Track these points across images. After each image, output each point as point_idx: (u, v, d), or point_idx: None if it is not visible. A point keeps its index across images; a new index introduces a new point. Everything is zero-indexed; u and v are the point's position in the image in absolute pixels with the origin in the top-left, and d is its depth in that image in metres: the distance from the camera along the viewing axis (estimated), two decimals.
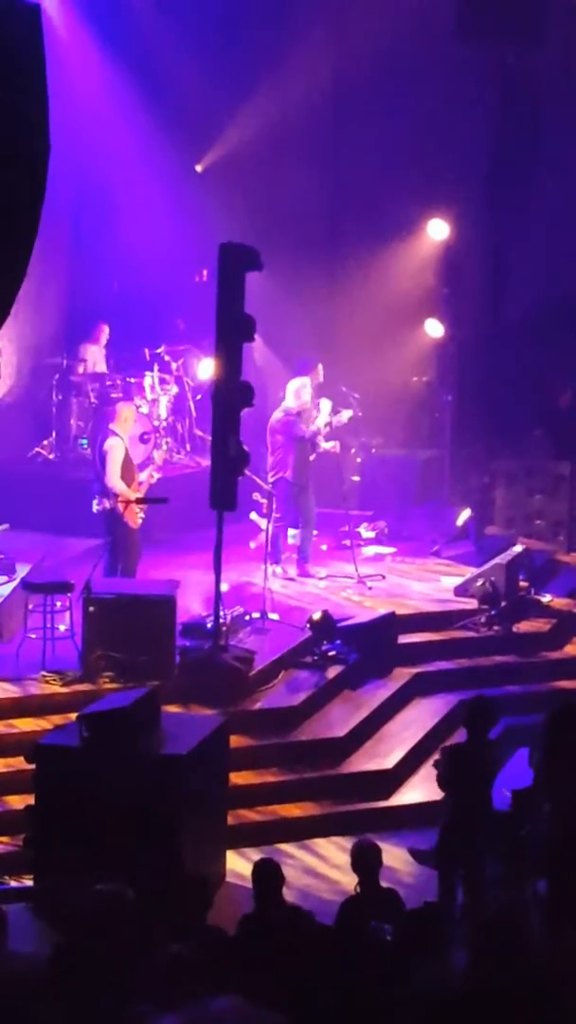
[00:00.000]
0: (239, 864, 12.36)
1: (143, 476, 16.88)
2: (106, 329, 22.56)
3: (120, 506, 16.33)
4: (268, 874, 9.35)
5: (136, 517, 16.50)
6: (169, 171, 22.65)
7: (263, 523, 17.88)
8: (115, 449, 16.45)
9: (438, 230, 22.53)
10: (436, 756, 12.56)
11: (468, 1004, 6.15)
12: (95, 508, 16.61)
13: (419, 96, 22.86)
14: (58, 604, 15.16)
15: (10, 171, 9.52)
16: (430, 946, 8.00)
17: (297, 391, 18.65)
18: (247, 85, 22.95)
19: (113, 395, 21.43)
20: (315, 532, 19.26)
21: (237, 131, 23.31)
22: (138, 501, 16.41)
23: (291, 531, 18.88)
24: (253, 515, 18.30)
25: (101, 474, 16.55)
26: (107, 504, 16.41)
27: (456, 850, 11.57)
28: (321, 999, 7.37)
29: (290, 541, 18.93)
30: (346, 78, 23.47)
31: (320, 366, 19.55)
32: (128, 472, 16.50)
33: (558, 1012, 6.14)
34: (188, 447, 22.11)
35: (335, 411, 18.97)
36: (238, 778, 13.50)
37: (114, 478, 16.36)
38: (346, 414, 18.97)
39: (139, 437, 19.55)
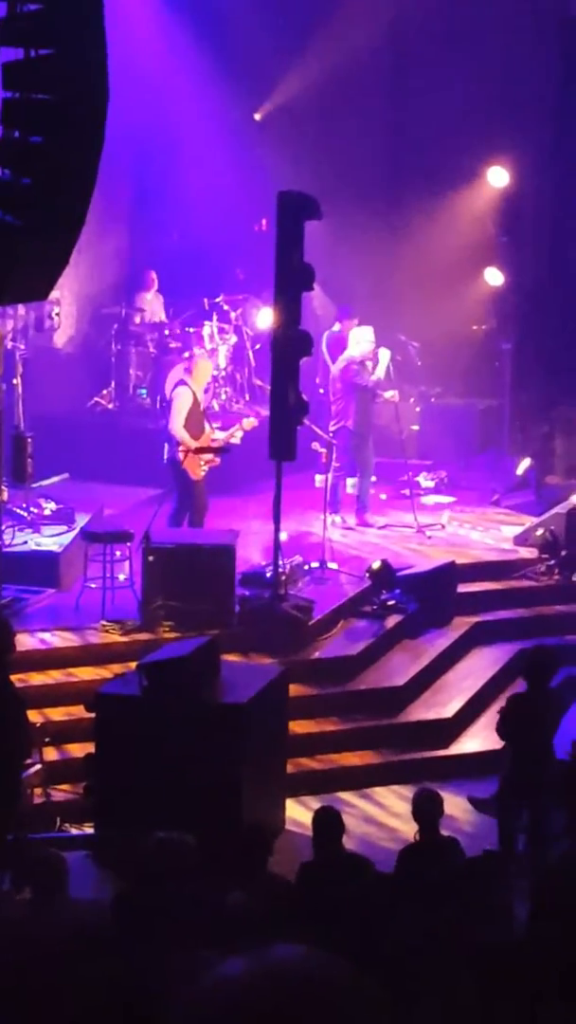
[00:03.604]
0: (299, 812, 12.40)
1: (224, 435, 16.73)
2: (154, 275, 22.52)
3: (181, 455, 16.31)
4: (328, 822, 9.37)
5: (198, 469, 16.44)
6: (228, 120, 22.56)
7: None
8: (182, 397, 16.43)
9: (498, 178, 22.35)
10: (500, 706, 12.53)
11: (529, 954, 6.15)
12: (165, 457, 16.62)
13: (479, 41, 22.66)
14: (117, 553, 15.20)
15: (70, 119, 9.52)
16: (491, 895, 8.00)
17: (359, 340, 18.64)
18: (306, 33, 22.80)
19: (172, 345, 21.44)
20: (373, 479, 19.23)
21: (296, 80, 23.17)
22: (197, 450, 16.38)
23: (349, 480, 18.86)
24: (319, 479, 18.22)
25: (168, 422, 16.57)
26: (175, 454, 16.38)
27: (516, 799, 11.58)
28: (380, 947, 7.38)
29: (349, 491, 18.91)
30: (405, 25, 23.28)
31: (356, 319, 19.53)
32: (195, 423, 16.44)
33: None
34: (247, 396, 22.09)
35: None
36: (297, 727, 13.52)
37: (177, 425, 16.33)
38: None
39: None
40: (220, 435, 16.69)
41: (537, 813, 11.52)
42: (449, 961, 6.95)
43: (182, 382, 16.71)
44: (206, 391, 19.40)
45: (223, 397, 21.08)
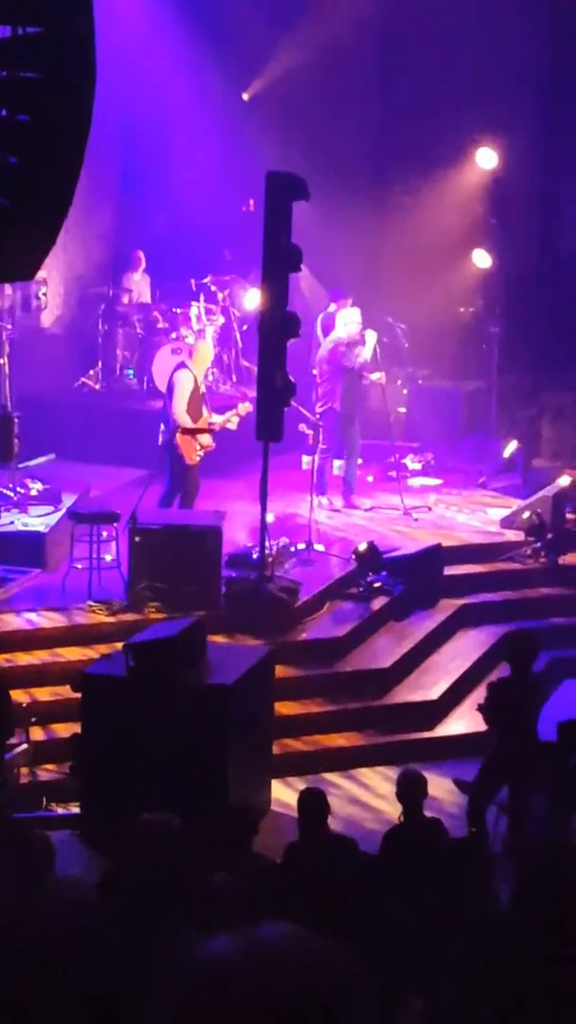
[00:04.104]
0: (284, 793, 12.42)
1: (221, 419, 16.68)
2: (141, 255, 22.48)
3: (178, 438, 16.27)
4: (313, 803, 9.39)
5: (193, 453, 16.41)
6: (216, 100, 22.52)
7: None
8: (184, 381, 16.40)
9: (487, 159, 22.33)
10: (486, 688, 12.55)
11: (513, 935, 6.16)
12: (160, 440, 16.59)
13: (469, 22, 22.62)
14: (104, 534, 15.21)
15: (57, 97, 9.49)
16: (474, 876, 8.02)
17: (346, 322, 18.64)
18: (294, 13, 22.75)
19: (159, 326, 21.42)
20: (360, 462, 19.23)
21: (284, 60, 23.11)
22: (193, 431, 16.30)
23: (336, 462, 18.86)
24: (305, 460, 18.20)
25: (168, 405, 16.52)
26: (170, 437, 16.34)
27: (499, 781, 11.60)
28: (364, 927, 7.41)
29: (335, 472, 18.91)
30: (394, 4, 23.21)
31: (350, 300, 19.51)
32: (194, 407, 16.42)
33: None
34: (234, 378, 22.07)
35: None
36: (283, 708, 13.55)
37: (179, 409, 16.28)
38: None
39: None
40: (217, 419, 16.66)
41: (518, 795, 11.55)
42: (433, 941, 6.98)
43: (183, 365, 16.70)
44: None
45: (210, 378, 21.08)
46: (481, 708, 12.05)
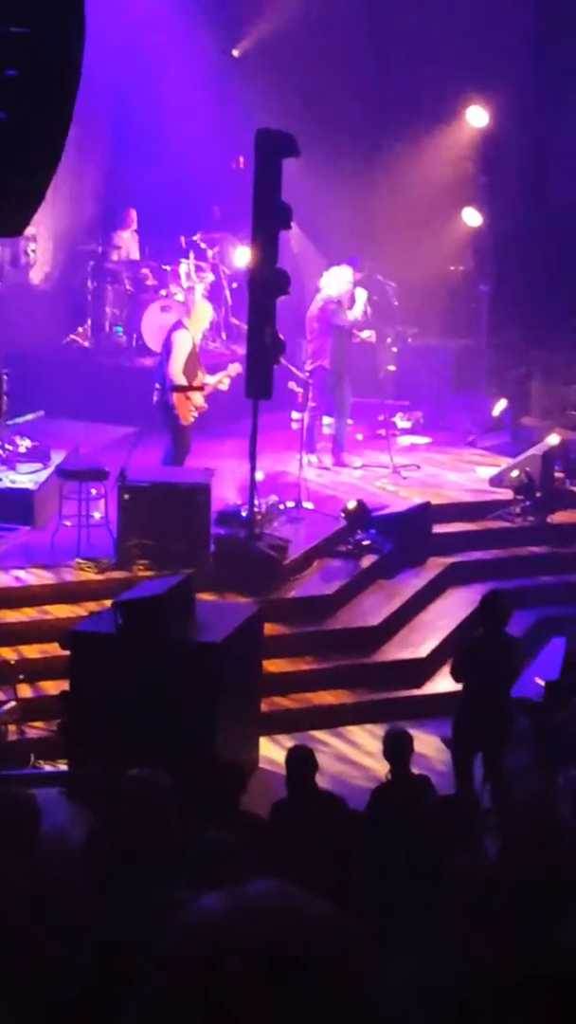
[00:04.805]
0: (273, 751, 12.45)
1: (213, 380, 16.62)
2: (134, 213, 22.43)
3: (174, 397, 16.21)
4: (301, 760, 9.42)
5: (188, 413, 16.34)
6: (206, 57, 22.38)
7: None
8: (182, 341, 16.32)
9: (477, 117, 22.25)
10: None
11: (499, 890, 6.19)
12: (155, 398, 16.54)
13: None
14: (93, 491, 15.20)
15: (46, 55, 9.44)
16: (461, 831, 8.06)
17: (337, 280, 18.57)
18: None
19: (148, 283, 21.36)
20: (350, 421, 19.22)
21: (274, 16, 22.98)
22: (183, 388, 16.22)
23: (326, 419, 18.84)
24: (295, 416, 18.17)
25: (164, 364, 16.45)
26: (167, 398, 16.27)
27: (471, 740, 11.61)
28: (353, 884, 7.44)
29: (325, 431, 18.90)
30: None
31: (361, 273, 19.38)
32: (191, 367, 16.36)
33: None
34: (224, 335, 22.03)
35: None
36: (272, 666, 13.57)
37: (176, 370, 16.19)
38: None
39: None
40: (210, 379, 16.61)
41: (495, 753, 11.57)
42: (421, 897, 7.01)
43: (180, 325, 16.63)
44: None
45: (199, 338, 21.03)
46: (452, 665, 12.08)
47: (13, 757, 12.06)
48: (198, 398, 16.40)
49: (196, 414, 16.43)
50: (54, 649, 12.61)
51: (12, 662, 12.80)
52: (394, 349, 21.92)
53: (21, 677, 12.65)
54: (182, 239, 22.02)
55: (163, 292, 21.11)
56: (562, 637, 13.78)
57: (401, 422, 20.84)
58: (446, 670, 14.51)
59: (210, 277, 21.79)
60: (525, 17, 22.56)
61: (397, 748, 9.91)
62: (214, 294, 21.86)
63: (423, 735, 11.68)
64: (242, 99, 21.71)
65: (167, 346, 16.51)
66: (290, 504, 16.42)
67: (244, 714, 12.31)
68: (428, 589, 15.80)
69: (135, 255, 22.27)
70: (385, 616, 14.92)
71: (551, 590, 16.20)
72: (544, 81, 22.50)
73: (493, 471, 18.42)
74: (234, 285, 22.02)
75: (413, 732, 10.35)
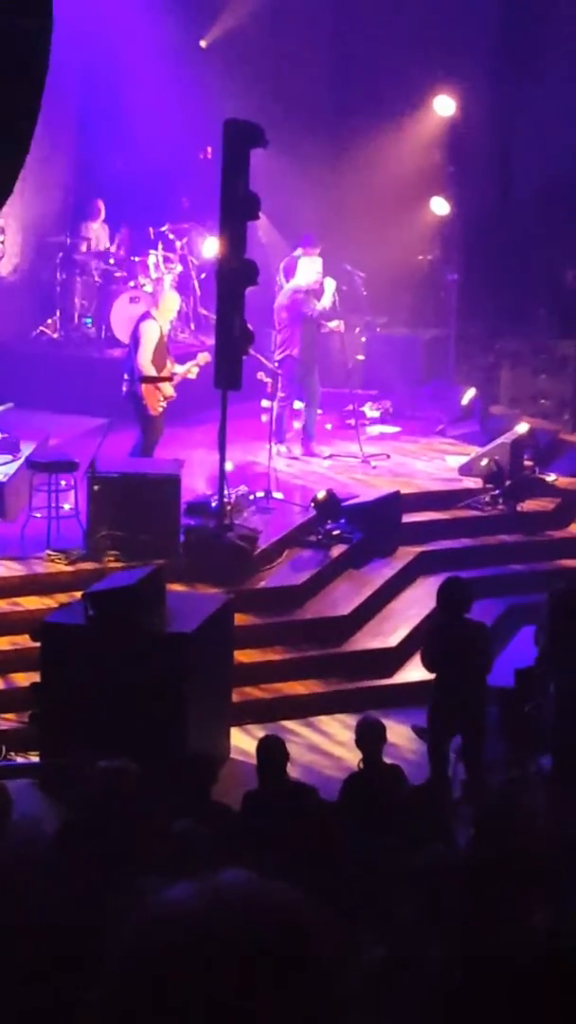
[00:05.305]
0: (244, 741, 12.46)
1: (182, 369, 16.60)
2: (101, 204, 22.38)
3: (142, 388, 16.19)
4: (272, 750, 9.44)
5: (157, 404, 16.33)
6: (174, 47, 22.33)
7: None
8: (150, 331, 16.30)
9: (444, 106, 22.25)
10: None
11: (471, 877, 6.22)
12: (124, 389, 16.52)
13: None
14: (63, 483, 15.19)
15: (12, 47, 9.42)
16: (432, 820, 8.08)
17: (306, 270, 18.56)
18: None
19: (117, 274, 21.34)
20: (319, 411, 19.22)
21: (241, 7, 22.96)
22: (155, 379, 16.20)
23: (296, 403, 18.78)
24: (265, 404, 18.17)
25: (132, 355, 16.43)
26: (135, 388, 16.25)
27: (446, 728, 11.63)
28: (324, 874, 7.46)
29: (296, 425, 18.90)
30: None
31: (319, 249, 19.34)
32: (159, 357, 16.34)
33: (560, 885, 6.21)
34: (192, 326, 22.01)
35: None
36: (243, 656, 13.58)
37: (145, 360, 16.16)
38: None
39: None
40: (179, 369, 16.60)
41: (470, 741, 11.58)
42: (391, 886, 7.03)
43: (148, 315, 16.62)
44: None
45: (166, 328, 21.01)
46: (421, 655, 12.09)
47: None
48: (167, 388, 16.39)
49: (165, 404, 16.41)
50: (25, 641, 12.61)
51: None
52: (363, 339, 21.95)
53: None
54: (150, 230, 21.99)
55: (132, 283, 21.09)
56: (532, 626, 13.82)
57: (370, 411, 20.85)
58: (416, 659, 14.53)
59: (178, 268, 21.78)
60: (491, 6, 22.57)
61: (369, 737, 9.94)
62: (183, 285, 21.83)
63: (394, 724, 11.70)
64: (210, 90, 21.67)
65: (135, 337, 16.50)
66: (260, 494, 16.43)
67: (215, 704, 12.32)
68: (398, 578, 15.81)
69: (105, 245, 22.23)
70: (355, 605, 14.93)
71: (521, 578, 16.22)
72: (510, 70, 22.50)
73: (462, 460, 18.44)
74: (203, 275, 21.99)
75: (384, 721, 10.38)
